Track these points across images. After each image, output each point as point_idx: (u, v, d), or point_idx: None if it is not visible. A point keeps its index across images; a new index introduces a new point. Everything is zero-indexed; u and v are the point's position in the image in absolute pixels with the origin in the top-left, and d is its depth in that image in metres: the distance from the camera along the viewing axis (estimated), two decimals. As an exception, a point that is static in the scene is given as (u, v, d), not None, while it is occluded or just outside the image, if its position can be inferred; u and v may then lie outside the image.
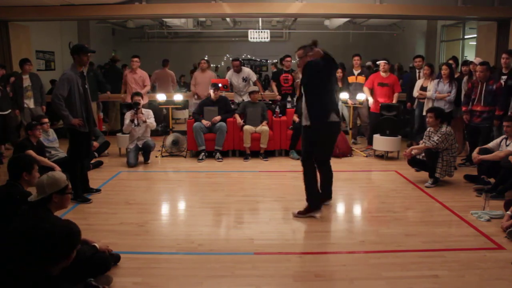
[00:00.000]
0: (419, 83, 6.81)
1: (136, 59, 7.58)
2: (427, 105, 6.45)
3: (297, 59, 4.22)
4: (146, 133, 6.34)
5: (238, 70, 7.50)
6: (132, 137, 6.31)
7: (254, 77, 7.62)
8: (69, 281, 2.61)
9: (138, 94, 6.46)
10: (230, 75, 7.66)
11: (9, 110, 6.63)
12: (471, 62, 6.37)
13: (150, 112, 6.44)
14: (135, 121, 6.19)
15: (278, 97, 7.45)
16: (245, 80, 7.49)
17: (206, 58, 8.80)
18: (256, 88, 6.96)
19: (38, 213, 2.61)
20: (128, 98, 7.23)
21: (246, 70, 7.66)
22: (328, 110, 4.03)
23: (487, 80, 5.62)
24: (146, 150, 6.29)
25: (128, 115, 6.30)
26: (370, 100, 7.10)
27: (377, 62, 7.36)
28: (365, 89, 7.13)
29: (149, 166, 6.22)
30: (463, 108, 5.93)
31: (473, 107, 5.78)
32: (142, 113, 6.26)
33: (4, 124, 6.58)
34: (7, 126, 6.64)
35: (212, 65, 15.64)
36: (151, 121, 6.34)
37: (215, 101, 6.73)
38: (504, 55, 5.68)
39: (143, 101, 7.58)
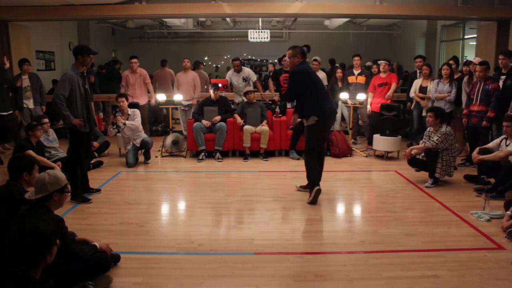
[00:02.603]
0: (417, 83, 6.82)
1: (135, 60, 7.57)
2: (427, 105, 6.47)
3: (287, 58, 4.60)
4: (137, 132, 6.27)
5: (238, 70, 7.49)
6: (125, 139, 6.30)
7: (254, 77, 7.62)
8: (69, 280, 2.62)
9: (122, 95, 6.40)
10: (230, 74, 7.65)
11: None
12: (471, 62, 6.37)
13: (137, 111, 6.37)
14: (115, 124, 6.14)
15: (276, 98, 7.44)
16: (245, 80, 7.48)
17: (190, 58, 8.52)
18: (251, 88, 6.96)
19: (37, 213, 2.60)
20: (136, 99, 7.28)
21: (247, 70, 7.65)
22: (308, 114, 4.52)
23: (485, 80, 5.63)
24: (145, 148, 6.29)
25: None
26: (369, 107, 7.12)
27: (378, 62, 7.35)
28: (369, 94, 7.12)
29: (149, 166, 6.22)
30: (464, 111, 5.93)
31: (470, 107, 5.79)
32: (128, 114, 6.22)
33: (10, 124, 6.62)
34: (13, 126, 6.67)
35: (213, 65, 15.70)
36: (133, 122, 6.20)
37: (215, 101, 6.73)
38: (500, 56, 5.68)
39: (143, 102, 7.61)
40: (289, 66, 4.69)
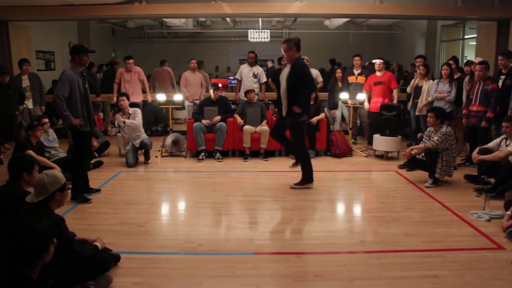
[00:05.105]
0: (414, 82, 6.82)
1: (131, 60, 7.53)
2: (421, 104, 6.50)
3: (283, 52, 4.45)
4: (137, 132, 6.25)
5: (251, 63, 7.43)
6: (125, 139, 6.30)
7: (264, 79, 7.54)
8: (70, 280, 2.62)
9: (122, 94, 6.40)
10: (243, 66, 7.61)
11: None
12: (472, 62, 6.38)
13: (137, 111, 6.36)
14: (115, 123, 6.13)
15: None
16: (255, 76, 7.43)
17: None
18: (251, 87, 6.96)
19: (37, 213, 2.60)
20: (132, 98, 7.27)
21: (260, 69, 7.60)
22: (305, 111, 4.67)
23: (485, 80, 5.63)
24: (144, 149, 6.28)
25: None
26: (366, 105, 7.09)
27: (373, 61, 7.35)
28: (365, 93, 7.11)
29: (149, 166, 6.22)
30: (464, 111, 5.93)
31: (470, 107, 5.80)
32: (128, 113, 6.23)
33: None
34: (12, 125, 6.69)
35: (213, 65, 15.68)
36: (133, 121, 6.19)
37: (215, 101, 6.73)
38: (499, 56, 5.69)
39: (138, 100, 7.56)
40: (286, 60, 4.44)
